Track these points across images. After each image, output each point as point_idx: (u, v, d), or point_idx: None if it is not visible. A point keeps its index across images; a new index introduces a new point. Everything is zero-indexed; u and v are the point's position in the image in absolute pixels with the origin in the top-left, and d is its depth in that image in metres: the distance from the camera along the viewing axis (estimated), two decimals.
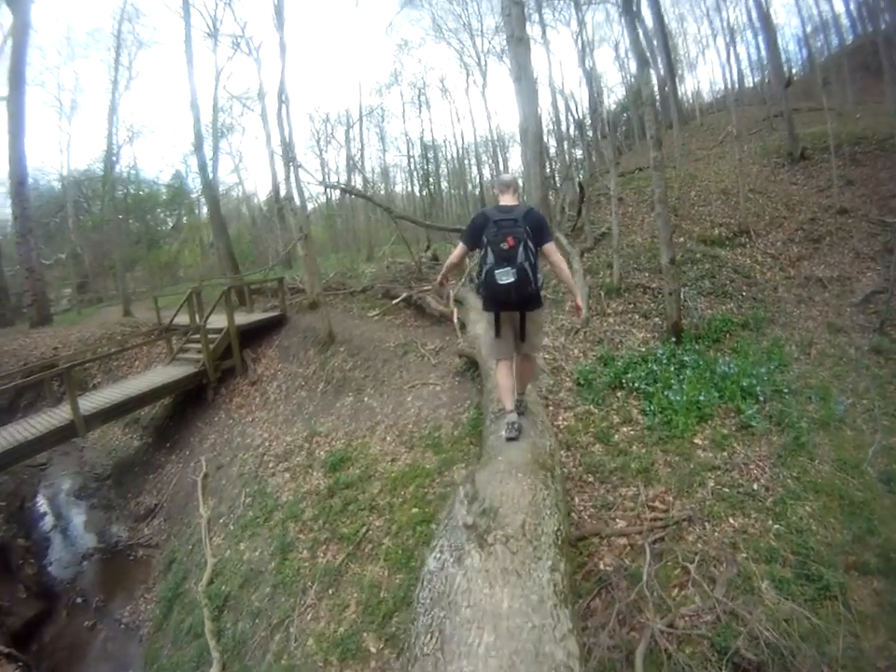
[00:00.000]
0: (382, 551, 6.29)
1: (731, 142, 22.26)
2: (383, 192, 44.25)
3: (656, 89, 40.89)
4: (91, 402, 10.73)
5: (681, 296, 9.98)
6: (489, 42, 35.89)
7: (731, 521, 5.50)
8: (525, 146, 14.47)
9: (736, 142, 16.63)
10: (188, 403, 13.10)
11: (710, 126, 30.07)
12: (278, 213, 27.57)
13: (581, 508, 5.90)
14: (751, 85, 41.30)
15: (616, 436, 7.06)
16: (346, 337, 12.42)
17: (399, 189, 50.63)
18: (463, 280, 12.10)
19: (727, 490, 5.93)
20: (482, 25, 35.73)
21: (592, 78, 30.07)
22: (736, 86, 38.60)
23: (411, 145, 43.79)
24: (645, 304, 10.73)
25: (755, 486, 5.99)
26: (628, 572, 4.94)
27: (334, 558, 6.53)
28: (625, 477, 6.26)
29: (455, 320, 10.83)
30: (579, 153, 37.48)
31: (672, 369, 8.32)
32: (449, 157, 48.43)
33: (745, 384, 7.75)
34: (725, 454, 6.55)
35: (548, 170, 17.78)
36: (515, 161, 45.79)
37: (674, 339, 9.29)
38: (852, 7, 36.16)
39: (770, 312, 10.76)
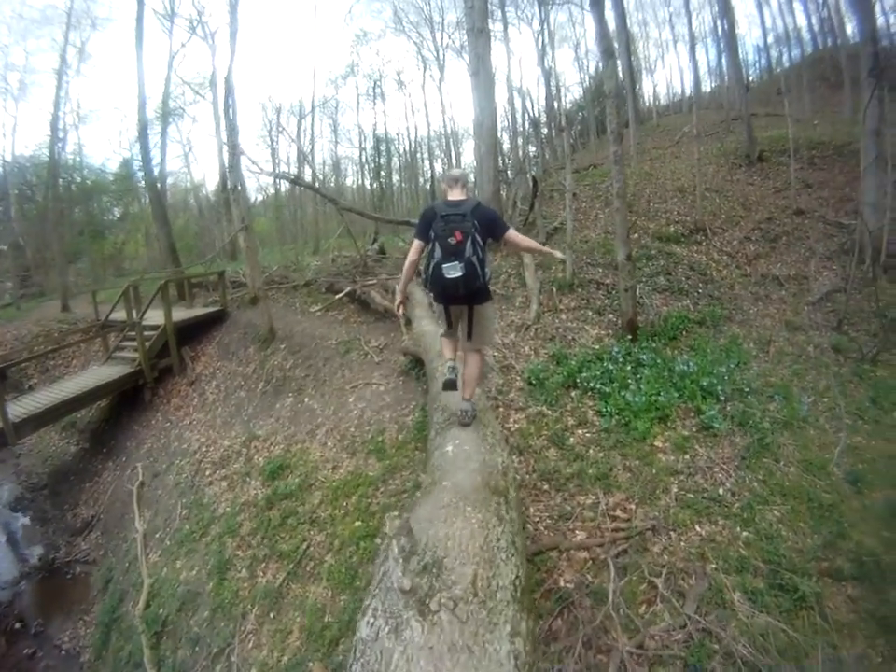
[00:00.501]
0: (324, 569, 5.78)
1: (687, 142, 22.61)
2: (333, 185, 44.18)
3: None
4: (21, 407, 10.01)
5: (637, 292, 9.68)
6: (449, 37, 36.56)
7: (697, 529, 5.15)
8: (480, 139, 14.08)
9: (696, 141, 16.47)
10: (125, 405, 12.46)
11: (666, 127, 30.48)
12: (225, 203, 26.62)
13: (537, 519, 5.45)
14: (708, 90, 42.06)
15: (571, 439, 6.65)
16: (287, 333, 11.90)
17: (349, 181, 50.73)
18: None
19: (692, 496, 5.58)
20: (443, 19, 36.55)
21: (550, 76, 29.97)
22: (692, 91, 39.27)
23: (363, 137, 43.82)
24: (599, 300, 10.42)
25: (721, 491, 5.66)
26: (591, 589, 4.54)
27: (274, 578, 6.03)
28: (583, 484, 5.84)
29: (401, 316, 10.30)
30: (532, 150, 37.53)
31: (629, 368, 7.97)
32: (402, 150, 48.85)
33: (704, 383, 7.43)
34: (687, 457, 6.21)
35: (501, 164, 17.40)
36: (468, 156, 46.56)
37: (630, 336, 8.95)
38: (813, 20, 37.07)
39: (727, 309, 10.57)
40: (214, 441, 9.65)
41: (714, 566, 4.68)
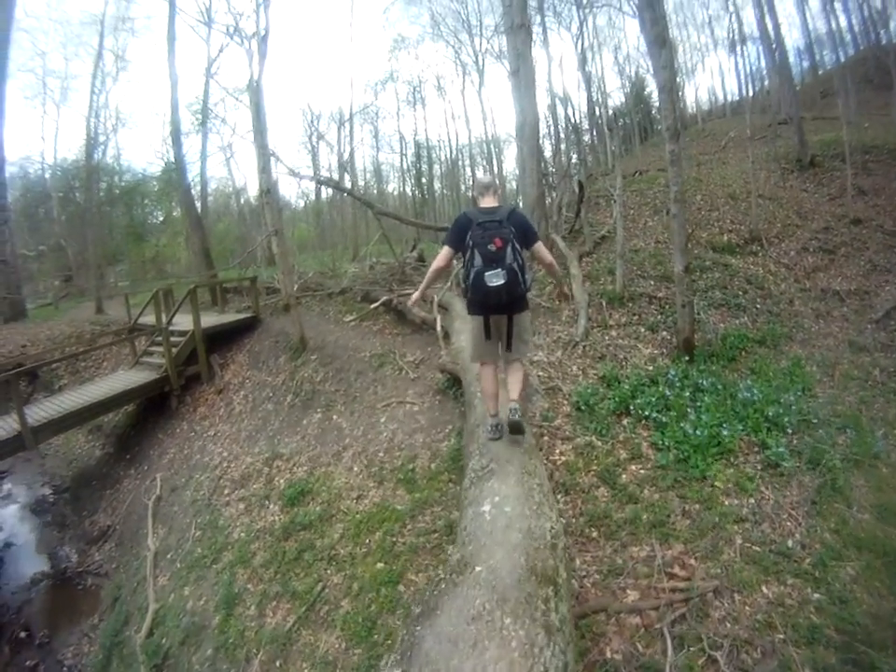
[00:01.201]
0: (339, 616, 5.17)
1: (734, 147, 21.89)
2: (375, 191, 45.15)
3: (657, 93, 40.80)
4: (43, 411, 9.86)
5: (694, 308, 8.94)
6: (488, 41, 35.91)
7: (764, 590, 4.44)
8: (521, 141, 13.37)
9: (748, 143, 15.74)
10: (151, 411, 12.16)
11: (711, 132, 29.88)
12: (263, 208, 26.51)
13: (584, 573, 4.75)
14: (750, 94, 41.29)
15: (624, 476, 5.92)
16: (319, 344, 11.39)
17: (391, 188, 51.23)
18: (449, 284, 11.03)
19: (758, 549, 4.86)
20: (480, 24, 35.87)
21: (591, 82, 29.30)
22: (735, 95, 38.80)
23: (404, 143, 44.28)
24: (651, 316, 9.67)
25: (790, 543, 4.94)
26: (641, 663, 3.87)
27: (284, 620, 5.45)
28: (637, 532, 5.11)
29: (439, 328, 9.72)
30: (574, 158, 37.06)
31: (687, 394, 7.18)
32: (443, 157, 49.03)
33: (770, 413, 6.68)
34: (753, 500, 5.47)
35: (545, 169, 16.76)
36: (510, 163, 47.41)
37: (686, 357, 8.23)
38: (854, 20, 36.20)
39: (787, 327, 9.85)
40: (236, 456, 9.20)
41: (782, 635, 4.00)
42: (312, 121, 39.27)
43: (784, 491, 5.63)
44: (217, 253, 24.86)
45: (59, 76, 30.13)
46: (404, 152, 45.10)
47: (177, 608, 6.51)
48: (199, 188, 28.34)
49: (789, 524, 5.19)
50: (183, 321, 12.63)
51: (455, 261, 4.46)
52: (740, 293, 10.62)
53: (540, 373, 7.96)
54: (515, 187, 43.48)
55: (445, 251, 4.18)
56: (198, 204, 27.17)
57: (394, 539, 5.74)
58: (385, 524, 6.01)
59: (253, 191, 41.72)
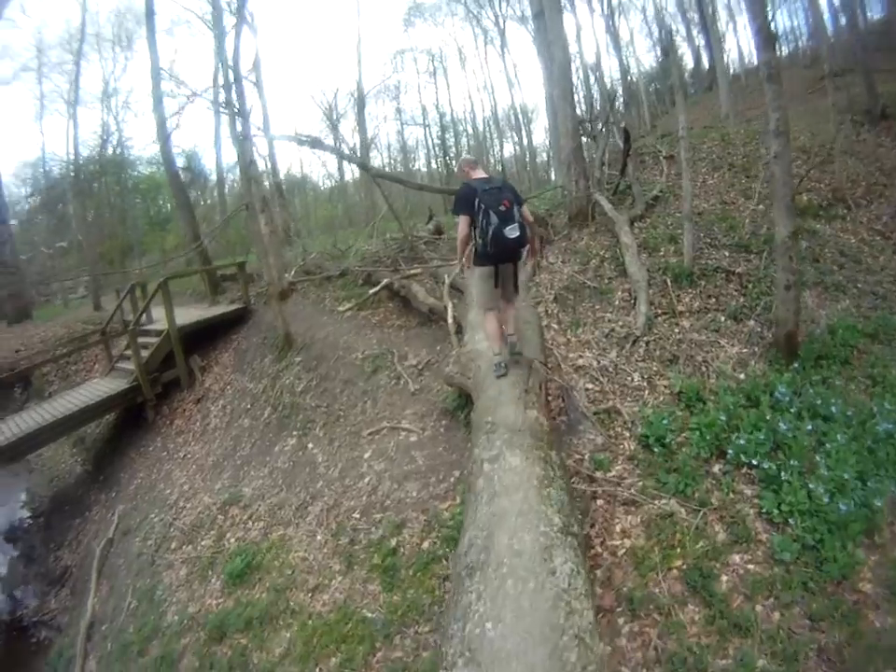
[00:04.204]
0: None
1: (789, 100, 19.89)
2: (402, 168, 45.36)
3: (692, 57, 38.53)
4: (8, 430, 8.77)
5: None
6: (508, 4, 35.57)
7: None
8: (551, 84, 11.27)
9: (830, 88, 13.66)
10: (128, 423, 10.63)
11: (754, 88, 27.81)
12: (277, 189, 25.68)
13: None
14: (785, 52, 39.15)
15: (724, 578, 3.61)
16: (307, 341, 9.57)
17: (419, 164, 50.48)
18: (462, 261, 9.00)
19: None
20: None
21: (619, 45, 27.66)
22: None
23: (426, 116, 44.22)
24: (731, 299, 7.45)
25: None
26: None
27: None
28: None
29: (450, 320, 7.65)
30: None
31: (808, 427, 4.73)
32: (470, 130, 48.42)
33: None
34: None
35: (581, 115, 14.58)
36: (539, 136, 46.53)
37: (793, 362, 5.94)
38: None
39: None
40: (195, 492, 7.60)
41: None
42: (329, 104, 38.55)
43: None
44: (241, 238, 24.76)
45: (68, 73, 28.93)
46: (426, 123, 44.70)
47: None
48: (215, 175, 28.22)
49: None
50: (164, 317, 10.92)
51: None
52: (835, 268, 8.45)
53: (589, 385, 5.87)
54: (546, 158, 41.83)
55: (464, 219, 4.56)
56: (215, 191, 26.31)
57: None
58: (345, 643, 3.95)
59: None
